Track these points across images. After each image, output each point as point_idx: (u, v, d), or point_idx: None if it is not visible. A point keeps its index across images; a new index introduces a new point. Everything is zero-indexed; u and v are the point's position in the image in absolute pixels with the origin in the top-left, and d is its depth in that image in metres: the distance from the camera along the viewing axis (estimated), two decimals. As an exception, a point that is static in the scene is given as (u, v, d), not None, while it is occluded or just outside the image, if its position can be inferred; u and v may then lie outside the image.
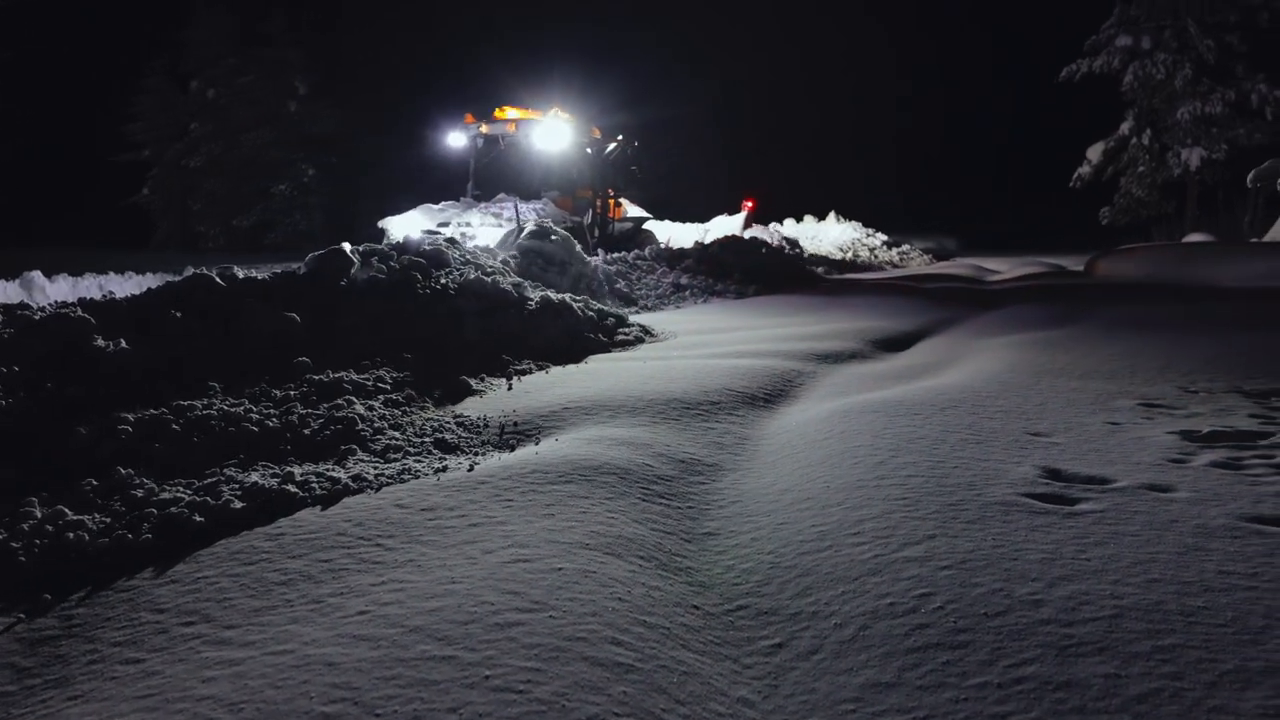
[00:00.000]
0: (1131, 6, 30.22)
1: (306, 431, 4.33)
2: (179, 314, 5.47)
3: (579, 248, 11.33)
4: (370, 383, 5.30)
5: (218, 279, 5.99)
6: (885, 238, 33.43)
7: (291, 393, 4.94)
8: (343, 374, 5.32)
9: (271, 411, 4.56)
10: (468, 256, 8.40)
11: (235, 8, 40.95)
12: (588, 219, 16.63)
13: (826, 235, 31.07)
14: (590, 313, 8.13)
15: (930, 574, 2.67)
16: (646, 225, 20.22)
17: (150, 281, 12.22)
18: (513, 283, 7.82)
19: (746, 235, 21.23)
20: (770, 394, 5.70)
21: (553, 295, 7.86)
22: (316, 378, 5.19)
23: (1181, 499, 3.29)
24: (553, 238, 11.03)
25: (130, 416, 4.17)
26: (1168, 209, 30.88)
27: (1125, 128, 31.21)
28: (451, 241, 8.47)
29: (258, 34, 41.08)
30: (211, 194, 41.11)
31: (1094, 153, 31.97)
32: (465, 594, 2.56)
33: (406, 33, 46.31)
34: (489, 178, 17.56)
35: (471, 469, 3.84)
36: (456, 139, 17.51)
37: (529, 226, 11.72)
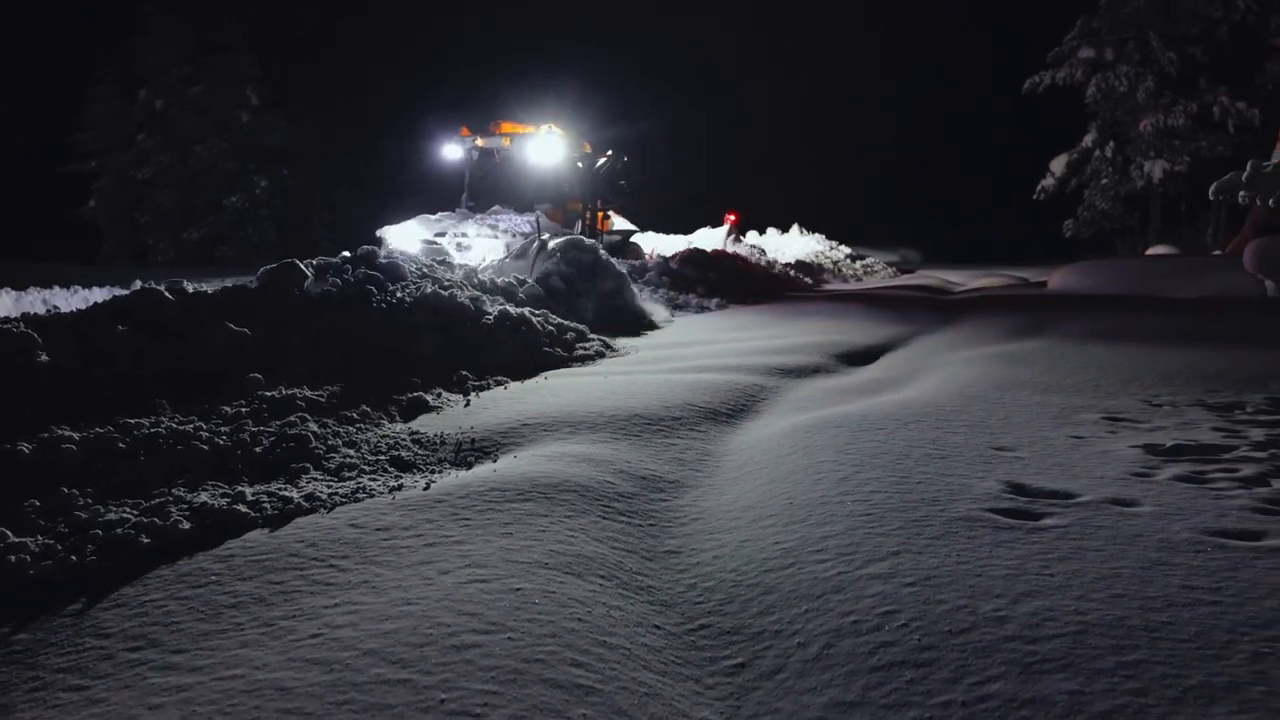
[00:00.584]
0: (1094, 19, 30.67)
1: (258, 449, 4.29)
2: (126, 329, 5.41)
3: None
4: (324, 399, 5.26)
5: (166, 293, 5.93)
6: (849, 250, 33.61)
7: (243, 409, 4.90)
8: (295, 390, 5.28)
9: (222, 429, 4.51)
10: (424, 270, 8.37)
11: (187, 16, 40.61)
12: (577, 230, 16.99)
13: (789, 248, 31.15)
14: (550, 326, 8.13)
15: (894, 591, 2.68)
16: (633, 238, 20.65)
17: (97, 295, 12.09)
18: (470, 296, 7.80)
19: (730, 248, 21.68)
20: (733, 409, 5.71)
21: (511, 309, 7.85)
22: (268, 394, 5.15)
23: (1145, 513, 3.33)
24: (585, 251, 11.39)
25: (75, 435, 4.11)
26: (1131, 221, 31.32)
27: (1088, 140, 31.64)
28: (430, 255, 8.45)
29: (210, 42, 40.76)
30: (160, 206, 40.69)
31: (1057, 165, 32.39)
32: (421, 615, 2.55)
33: (370, 40, 46.12)
34: (483, 190, 18.01)
35: (428, 487, 3.82)
36: (452, 151, 17.88)
37: (551, 241, 12.10)
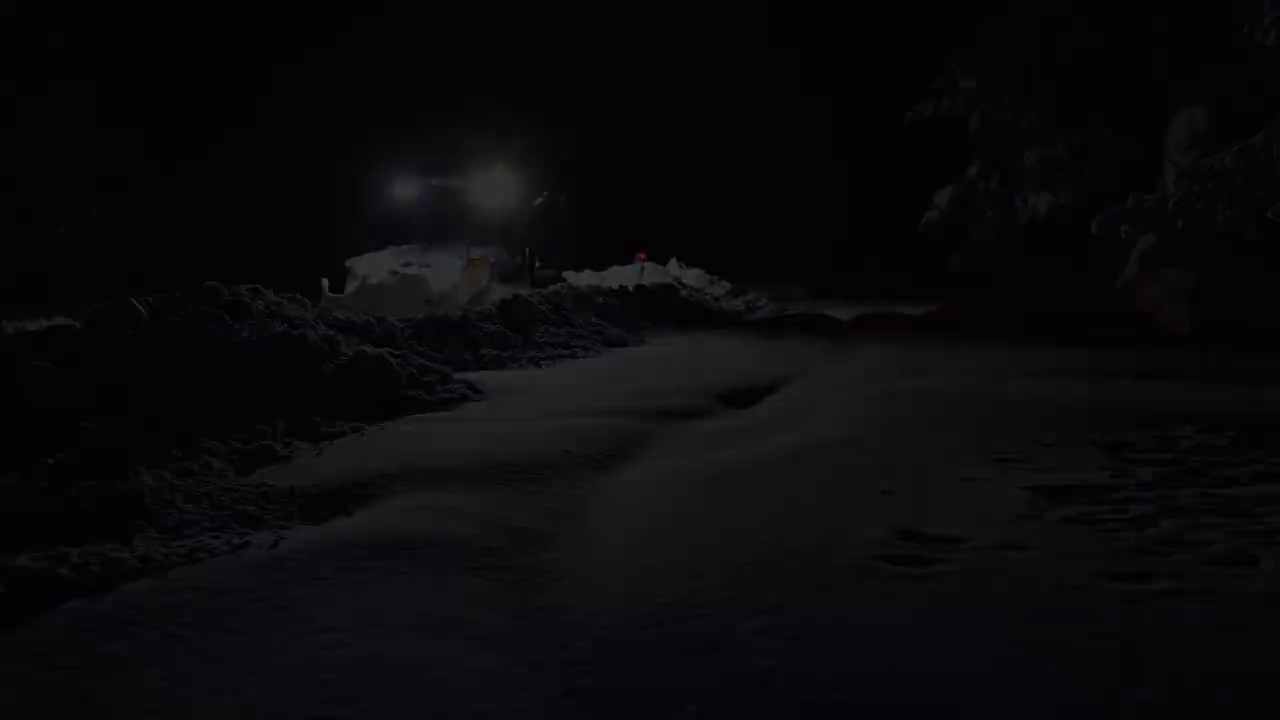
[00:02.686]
0: (976, 48, 31.70)
1: (85, 505, 4.13)
2: (-65, 374, 5.19)
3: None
4: (160, 449, 5.11)
5: (-18, 334, 5.71)
6: (729, 285, 34.01)
7: (68, 462, 4.72)
8: (128, 440, 5.12)
9: (44, 484, 4.35)
10: (273, 308, 8.22)
11: (8, 30, 39.36)
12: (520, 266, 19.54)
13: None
14: (410, 368, 8.03)
15: (777, 646, 2.70)
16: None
17: (-97, 337, 11.58)
18: (323, 336, 7.67)
19: (647, 283, 23.07)
20: (607, 455, 5.70)
21: (368, 349, 7.74)
22: (99, 444, 4.98)
23: (1035, 557, 3.41)
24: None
25: (-127, 493, 3.92)
26: (1017, 255, 32.30)
27: (972, 172, 32.56)
28: (255, 291, 8.28)
29: (36, 58, 39.55)
30: (-23, 237, 39.28)
31: (941, 198, 33.20)
32: (267, 687, 2.48)
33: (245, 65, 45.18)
34: (429, 225, 19.60)
35: (276, 545, 3.73)
36: (406, 188, 20.03)
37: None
